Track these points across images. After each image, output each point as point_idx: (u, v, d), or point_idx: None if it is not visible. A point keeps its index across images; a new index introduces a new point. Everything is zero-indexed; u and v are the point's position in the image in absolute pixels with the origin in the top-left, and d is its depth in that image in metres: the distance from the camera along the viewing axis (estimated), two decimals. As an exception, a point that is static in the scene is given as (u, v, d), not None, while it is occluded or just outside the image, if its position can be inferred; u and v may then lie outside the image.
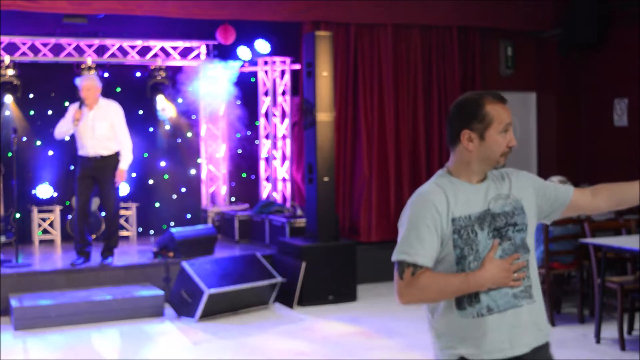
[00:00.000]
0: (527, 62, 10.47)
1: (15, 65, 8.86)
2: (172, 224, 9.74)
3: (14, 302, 6.77)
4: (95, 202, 8.63)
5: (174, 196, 10.17)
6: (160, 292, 7.20)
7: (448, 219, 2.36)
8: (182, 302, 7.02)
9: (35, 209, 9.25)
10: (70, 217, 9.10)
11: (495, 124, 2.39)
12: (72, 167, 7.86)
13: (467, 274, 2.32)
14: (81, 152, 7.62)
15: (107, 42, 9.31)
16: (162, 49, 9.66)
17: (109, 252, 7.77)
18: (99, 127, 7.57)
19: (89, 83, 7.60)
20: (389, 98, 9.25)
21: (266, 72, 9.87)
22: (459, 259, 2.37)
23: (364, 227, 9.12)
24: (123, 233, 9.70)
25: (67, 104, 8.49)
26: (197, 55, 9.83)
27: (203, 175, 10.22)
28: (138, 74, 9.82)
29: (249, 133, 10.19)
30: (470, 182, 2.45)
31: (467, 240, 2.36)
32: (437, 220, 2.36)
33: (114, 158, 7.62)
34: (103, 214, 8.25)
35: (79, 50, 9.25)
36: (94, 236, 7.84)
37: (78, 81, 7.69)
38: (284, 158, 9.81)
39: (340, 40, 9.11)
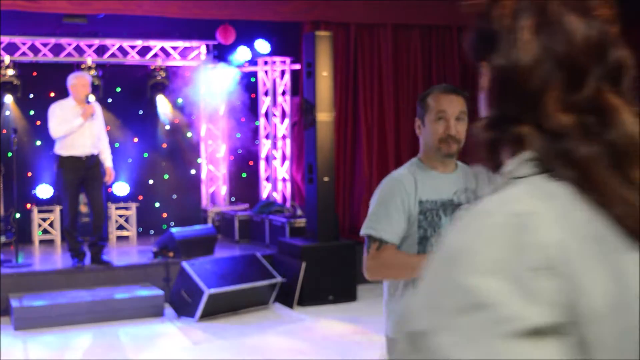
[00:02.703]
0: (527, 62, 10.47)
1: (15, 65, 8.86)
2: (172, 224, 9.75)
3: (14, 302, 6.77)
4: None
5: (174, 196, 10.18)
6: (160, 292, 7.20)
7: (416, 200, 2.56)
8: (182, 302, 7.02)
9: (35, 209, 9.25)
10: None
11: (430, 111, 2.59)
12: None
13: (427, 255, 2.46)
14: (70, 152, 7.38)
15: (107, 42, 9.31)
16: (162, 49, 9.67)
17: (102, 247, 7.71)
18: (95, 125, 7.54)
19: (86, 79, 7.55)
20: (389, 98, 9.25)
21: (266, 72, 9.87)
22: (422, 239, 2.55)
23: (364, 227, 9.11)
24: (123, 233, 9.71)
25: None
26: (197, 55, 9.83)
27: (203, 175, 10.23)
28: (138, 74, 9.82)
29: (248, 133, 10.20)
30: (436, 169, 2.65)
31: (431, 222, 2.56)
32: (405, 200, 2.56)
33: (99, 158, 7.58)
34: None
35: (79, 50, 9.26)
36: (86, 238, 7.81)
37: (75, 78, 7.48)
38: (284, 158, 9.81)
39: (340, 40, 9.12)
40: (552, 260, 0.81)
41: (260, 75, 9.94)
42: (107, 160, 7.63)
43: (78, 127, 7.36)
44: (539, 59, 0.90)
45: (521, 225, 0.83)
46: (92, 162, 7.48)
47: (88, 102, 7.40)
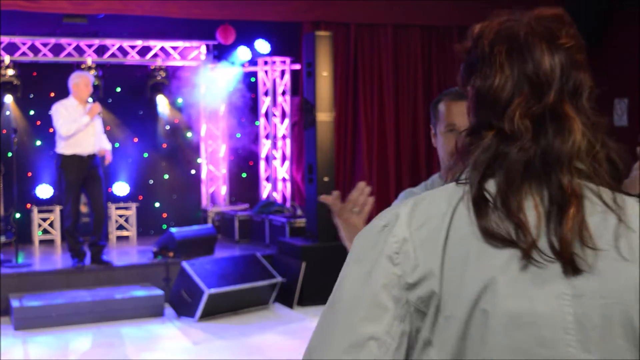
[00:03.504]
0: (527, 62, 10.46)
1: (15, 65, 8.86)
2: (172, 224, 9.75)
3: (14, 302, 6.77)
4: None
5: (174, 196, 10.17)
6: (160, 292, 7.20)
7: None
8: (182, 302, 7.02)
9: (35, 209, 9.25)
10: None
11: (441, 121, 2.31)
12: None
13: None
14: (75, 150, 7.39)
15: (107, 42, 9.31)
16: (162, 49, 9.66)
17: (102, 247, 7.71)
18: (98, 124, 7.57)
19: (89, 79, 7.57)
20: (389, 98, 9.25)
21: (266, 72, 9.87)
22: None
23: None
24: (123, 233, 9.71)
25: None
26: (197, 55, 9.83)
27: (203, 175, 10.23)
28: (138, 74, 9.82)
29: (249, 133, 10.20)
30: None
31: None
32: None
33: (99, 157, 7.60)
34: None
35: (79, 50, 9.26)
36: (87, 238, 7.82)
37: (78, 77, 7.51)
38: (284, 158, 9.81)
39: (340, 40, 9.12)
40: (395, 250, 1.10)
41: (260, 75, 9.94)
42: (107, 145, 7.68)
43: (85, 125, 7.39)
44: (509, 77, 1.12)
45: (388, 224, 1.14)
46: (93, 162, 7.50)
47: (94, 101, 7.44)
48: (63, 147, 7.43)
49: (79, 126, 7.36)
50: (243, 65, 9.76)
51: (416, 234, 1.10)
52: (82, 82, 7.47)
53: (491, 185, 1.10)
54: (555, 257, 1.05)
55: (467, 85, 1.19)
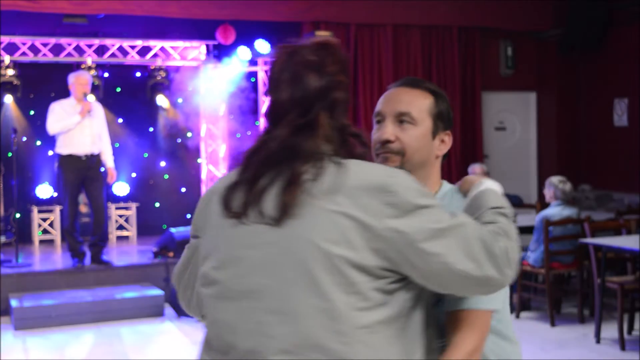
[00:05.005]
0: (527, 62, 10.47)
1: (15, 65, 8.85)
2: (172, 224, 9.74)
3: (14, 302, 6.78)
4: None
5: (174, 196, 10.17)
6: (160, 292, 7.20)
7: None
8: (182, 302, 7.01)
9: (35, 209, 9.25)
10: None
11: (375, 113, 2.00)
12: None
13: None
14: (70, 150, 7.39)
15: (107, 42, 9.30)
16: (162, 49, 9.66)
17: (102, 247, 7.71)
18: (96, 124, 7.55)
19: (85, 78, 7.56)
20: (389, 98, 9.25)
21: (266, 72, 9.87)
22: None
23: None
24: (123, 233, 9.71)
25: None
26: (197, 55, 9.83)
27: (203, 175, 10.22)
28: (138, 74, 9.82)
29: (249, 133, 10.19)
30: None
31: None
32: None
33: (100, 157, 7.58)
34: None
35: (79, 50, 9.25)
36: (87, 238, 7.81)
37: (74, 77, 7.53)
38: (284, 158, 9.80)
39: (340, 40, 9.12)
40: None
41: (260, 75, 9.94)
42: (109, 160, 7.63)
43: (75, 124, 7.36)
44: (288, 99, 1.61)
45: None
46: (92, 162, 7.48)
47: (86, 100, 7.42)
48: (60, 147, 7.44)
49: (67, 124, 7.34)
50: (243, 65, 9.75)
51: (200, 204, 1.74)
52: (76, 81, 7.48)
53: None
54: (261, 220, 1.56)
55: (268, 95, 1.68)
